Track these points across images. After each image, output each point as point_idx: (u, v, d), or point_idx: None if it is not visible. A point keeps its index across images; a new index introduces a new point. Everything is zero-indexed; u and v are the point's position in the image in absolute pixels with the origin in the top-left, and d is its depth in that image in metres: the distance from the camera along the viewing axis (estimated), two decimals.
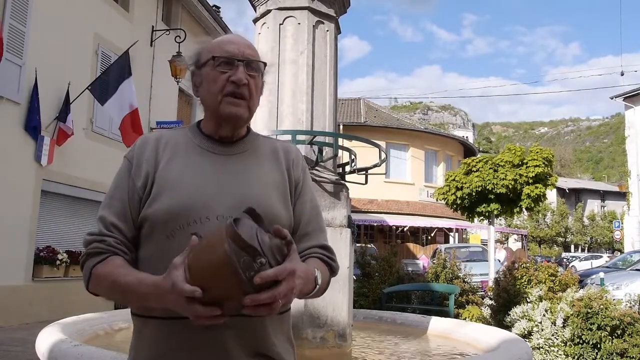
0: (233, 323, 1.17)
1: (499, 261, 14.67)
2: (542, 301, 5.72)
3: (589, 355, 5.02)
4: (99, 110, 9.64)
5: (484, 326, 4.66)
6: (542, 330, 5.32)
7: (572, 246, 50.25)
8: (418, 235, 26.65)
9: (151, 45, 11.94)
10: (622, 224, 29.15)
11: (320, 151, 3.88)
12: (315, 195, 1.51)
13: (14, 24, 8.14)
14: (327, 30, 4.28)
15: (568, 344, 5.15)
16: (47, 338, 2.79)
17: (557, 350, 5.15)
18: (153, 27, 12.06)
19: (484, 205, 11.69)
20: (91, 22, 9.98)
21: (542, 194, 11.42)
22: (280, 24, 4.16)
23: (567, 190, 53.93)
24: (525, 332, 5.40)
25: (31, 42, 8.45)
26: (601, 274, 10.98)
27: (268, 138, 1.53)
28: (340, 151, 4.35)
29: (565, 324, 5.25)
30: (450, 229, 26.21)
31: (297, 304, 3.07)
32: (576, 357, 5.07)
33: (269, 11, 4.22)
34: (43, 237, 8.94)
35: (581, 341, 5.08)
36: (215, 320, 1.07)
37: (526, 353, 3.01)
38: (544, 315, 5.45)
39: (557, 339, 5.21)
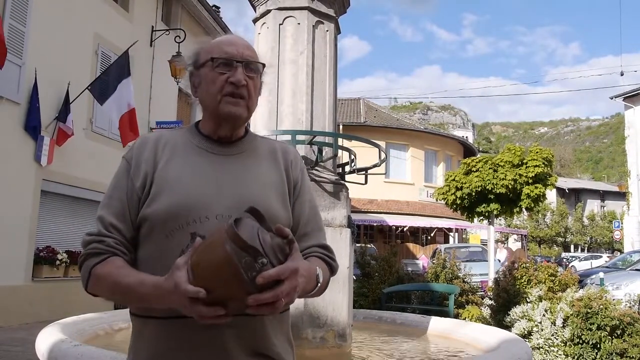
0: (233, 323, 1.17)
1: (499, 261, 14.64)
2: (541, 301, 5.71)
3: (588, 355, 5.02)
4: (99, 110, 9.64)
5: (484, 326, 4.66)
6: (542, 330, 5.32)
7: (572, 246, 50.28)
8: (418, 235, 26.65)
9: (151, 45, 11.94)
10: (622, 224, 29.16)
11: (320, 151, 3.88)
12: (313, 195, 1.52)
13: (14, 24, 8.14)
14: (327, 30, 4.28)
15: (568, 344, 5.15)
16: (47, 338, 2.79)
17: (557, 350, 5.15)
18: (153, 27, 12.06)
19: (484, 205, 11.69)
20: (91, 22, 9.98)
21: (541, 194, 11.42)
22: (280, 24, 4.16)
23: (567, 190, 53.96)
24: (525, 332, 5.40)
25: (31, 42, 8.45)
26: (601, 274, 10.98)
27: (266, 139, 1.54)
28: (340, 151, 4.35)
29: (565, 324, 5.25)
30: (450, 229, 26.21)
31: (297, 303, 3.07)
32: (576, 357, 5.07)
33: (268, 11, 4.22)
34: (43, 237, 8.95)
35: (581, 341, 5.08)
36: (219, 319, 1.07)
37: (526, 353, 3.01)
38: (543, 315, 5.45)
39: (556, 339, 5.21)
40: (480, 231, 29.60)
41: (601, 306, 5.21)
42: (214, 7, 14.53)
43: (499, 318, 6.21)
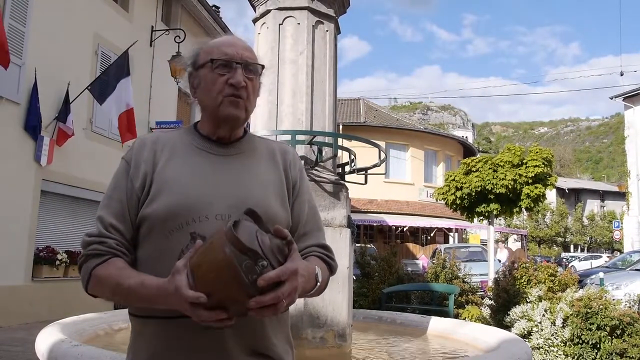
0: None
1: (500, 261, 14.63)
2: (541, 301, 5.72)
3: (588, 355, 5.02)
4: (99, 110, 9.64)
5: (484, 326, 4.66)
6: (542, 330, 5.32)
7: (572, 246, 50.30)
8: (418, 235, 26.65)
9: (151, 45, 11.94)
10: (622, 224, 29.15)
11: (320, 151, 3.88)
12: (312, 195, 1.52)
13: (13, 24, 8.14)
14: (327, 30, 4.28)
15: (567, 344, 5.15)
16: (46, 338, 2.79)
17: (557, 350, 5.15)
18: (153, 27, 12.06)
19: (484, 205, 11.69)
20: (91, 22, 9.98)
21: (541, 194, 11.42)
22: (279, 24, 4.16)
23: (567, 190, 53.98)
24: (525, 332, 5.40)
25: (31, 42, 8.45)
26: (601, 274, 10.97)
27: (265, 139, 1.54)
28: (339, 151, 4.35)
29: (564, 324, 5.25)
30: (449, 229, 26.22)
31: (296, 303, 3.06)
32: (576, 357, 5.07)
33: (268, 11, 4.22)
34: (42, 237, 8.95)
35: (581, 341, 5.08)
36: (222, 323, 1.08)
37: (526, 353, 3.01)
38: (543, 315, 5.45)
39: (556, 339, 5.21)
40: (480, 231, 29.60)
41: (601, 306, 5.21)
42: (213, 7, 14.53)
43: (499, 318, 6.21)
